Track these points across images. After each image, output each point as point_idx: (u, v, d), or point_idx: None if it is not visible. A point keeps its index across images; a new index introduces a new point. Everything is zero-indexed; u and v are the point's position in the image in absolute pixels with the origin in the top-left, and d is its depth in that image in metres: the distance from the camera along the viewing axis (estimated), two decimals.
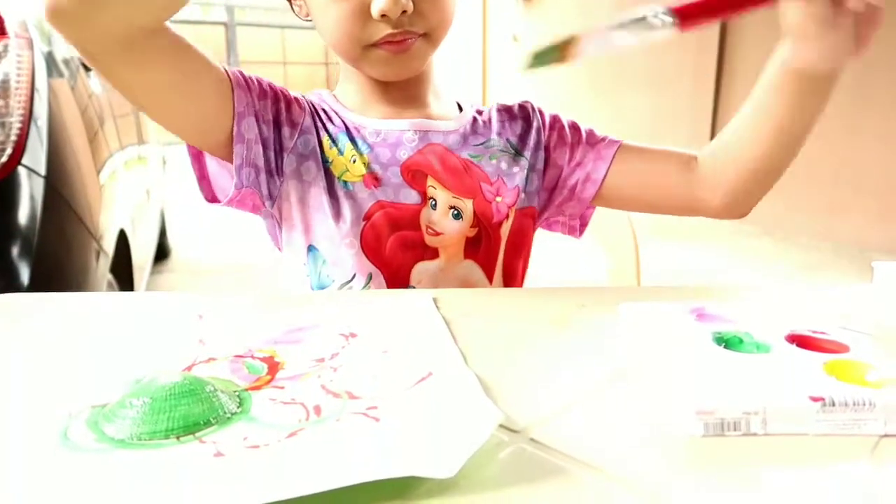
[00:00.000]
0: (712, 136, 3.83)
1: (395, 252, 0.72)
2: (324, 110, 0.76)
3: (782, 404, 0.39)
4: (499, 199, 0.76)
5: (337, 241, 0.71)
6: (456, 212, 0.74)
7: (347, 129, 0.75)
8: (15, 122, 1.11)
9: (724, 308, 0.53)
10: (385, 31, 0.67)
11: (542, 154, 0.80)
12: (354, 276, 0.72)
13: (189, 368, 0.46)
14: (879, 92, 3.33)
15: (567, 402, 0.43)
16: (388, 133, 0.75)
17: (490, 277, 0.76)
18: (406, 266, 0.73)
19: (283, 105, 0.73)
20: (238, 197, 0.70)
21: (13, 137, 1.10)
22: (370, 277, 0.72)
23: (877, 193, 3.43)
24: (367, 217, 0.72)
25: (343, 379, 0.44)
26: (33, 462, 0.35)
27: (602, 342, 0.52)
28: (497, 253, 0.76)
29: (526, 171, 0.79)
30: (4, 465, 0.35)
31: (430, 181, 0.74)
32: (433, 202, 0.73)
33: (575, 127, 0.82)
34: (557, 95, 4.82)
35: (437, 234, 0.73)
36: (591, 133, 0.82)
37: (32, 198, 1.12)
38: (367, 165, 0.73)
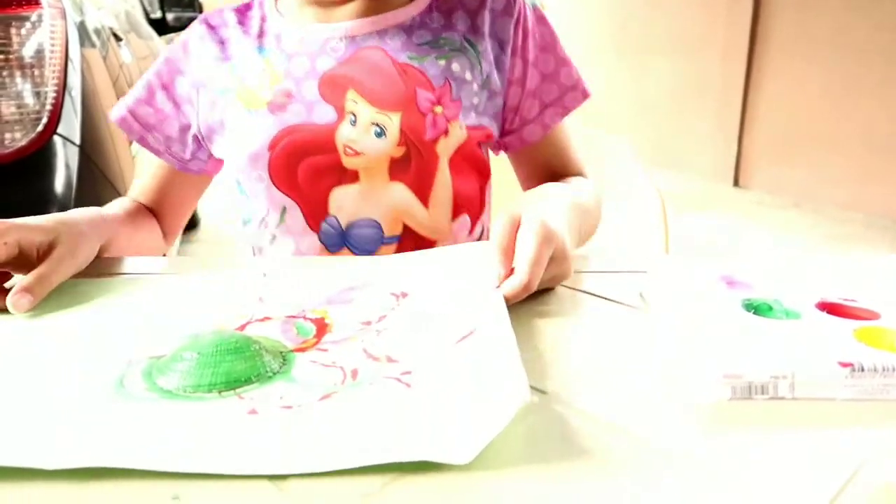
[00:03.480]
0: (743, 107, 3.77)
1: (308, 180, 0.67)
2: (240, 23, 0.73)
3: (811, 369, 0.39)
4: (438, 109, 0.67)
5: (249, 174, 0.69)
6: (378, 129, 0.66)
7: (262, 42, 0.71)
8: (50, 92, 1.13)
9: (754, 275, 0.53)
10: None
11: (508, 62, 0.71)
12: (268, 209, 0.70)
13: (243, 327, 0.48)
14: None
15: (594, 365, 0.44)
16: (311, 41, 0.69)
17: (425, 201, 0.69)
18: (322, 194, 0.68)
19: (166, 95, 0.75)
20: (206, 169, 0.76)
21: (48, 107, 1.12)
22: (284, 210, 0.69)
23: None
24: (272, 146, 0.67)
25: (385, 342, 0.46)
26: (88, 406, 0.38)
27: (630, 308, 0.53)
28: (433, 174, 0.69)
29: (483, 78, 0.70)
30: (64, 405, 0.38)
31: (351, 94, 0.67)
32: (352, 118, 0.66)
33: (559, 58, 0.74)
34: (579, 59, 4.74)
35: (356, 153, 0.66)
36: (568, 72, 0.75)
37: (68, 166, 1.15)
38: (280, 81, 0.68)
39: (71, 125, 1.16)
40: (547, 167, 0.76)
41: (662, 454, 0.34)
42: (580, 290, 0.56)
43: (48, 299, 0.52)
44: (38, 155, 1.12)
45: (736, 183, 3.91)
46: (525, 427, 0.37)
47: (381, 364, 0.43)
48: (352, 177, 0.68)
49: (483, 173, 0.74)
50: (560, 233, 0.52)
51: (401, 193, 0.68)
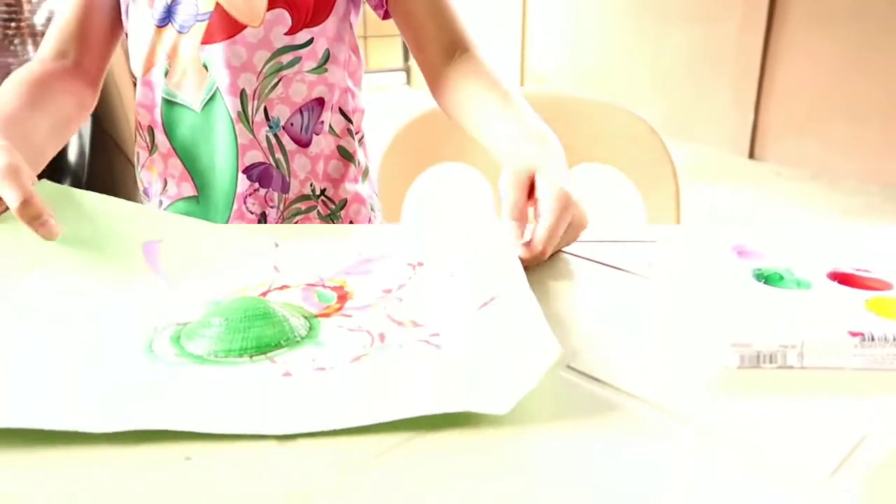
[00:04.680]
0: (761, 78, 3.70)
1: None
2: None
3: (820, 338, 0.39)
4: None
5: None
6: None
7: None
8: None
9: (766, 245, 0.52)
10: None
11: None
12: None
13: (264, 294, 0.49)
14: None
15: (605, 332, 0.44)
16: None
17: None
18: None
19: None
20: None
21: None
22: None
23: None
24: None
25: (408, 308, 0.46)
26: (120, 369, 0.39)
27: (640, 277, 0.52)
28: None
29: None
30: (96, 370, 0.39)
31: None
32: None
33: None
34: (596, 28, 4.67)
35: None
36: None
37: (80, 135, 1.15)
38: None
39: None
40: (435, 37, 0.75)
41: (670, 421, 0.35)
42: (590, 259, 0.56)
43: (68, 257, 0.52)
44: None
45: (751, 155, 3.87)
46: (535, 392, 0.37)
47: (406, 328, 0.43)
48: None
49: None
50: (576, 198, 0.54)
51: None
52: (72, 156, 1.15)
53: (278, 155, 0.76)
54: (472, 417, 0.34)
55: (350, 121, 0.80)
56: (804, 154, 3.61)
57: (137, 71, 0.76)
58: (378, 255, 0.55)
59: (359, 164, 0.83)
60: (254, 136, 0.74)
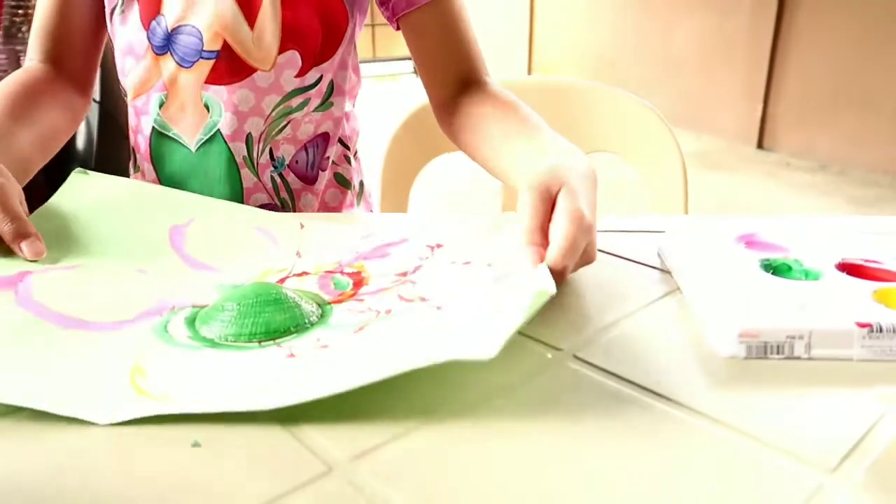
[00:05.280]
0: (770, 67, 3.67)
1: None
2: None
3: (828, 329, 0.39)
4: None
5: None
6: None
7: None
8: None
9: (774, 236, 0.52)
10: None
11: None
12: (117, 1, 0.69)
13: (283, 280, 0.50)
14: None
15: (611, 323, 0.44)
16: None
17: (251, 22, 0.67)
18: None
19: None
20: None
21: None
22: (124, 3, 0.69)
23: None
24: None
25: (419, 288, 0.47)
26: (133, 346, 0.40)
27: (647, 266, 0.52)
28: None
29: None
30: (110, 346, 0.40)
31: None
32: None
33: None
34: (605, 16, 4.64)
35: None
36: None
37: (88, 123, 1.15)
38: None
39: None
40: (448, 63, 0.71)
41: (677, 411, 0.35)
42: (599, 250, 0.55)
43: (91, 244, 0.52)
44: None
45: (760, 145, 3.84)
46: (542, 382, 0.37)
47: (413, 304, 0.44)
48: None
49: (328, 15, 0.70)
50: (594, 225, 0.47)
51: (227, 6, 0.67)
52: (80, 143, 1.15)
53: (284, 195, 0.74)
54: (491, 399, 0.34)
55: (347, 147, 0.79)
56: (813, 144, 3.59)
57: (127, 90, 0.73)
58: (397, 239, 0.55)
59: (354, 188, 0.81)
60: (258, 178, 0.72)
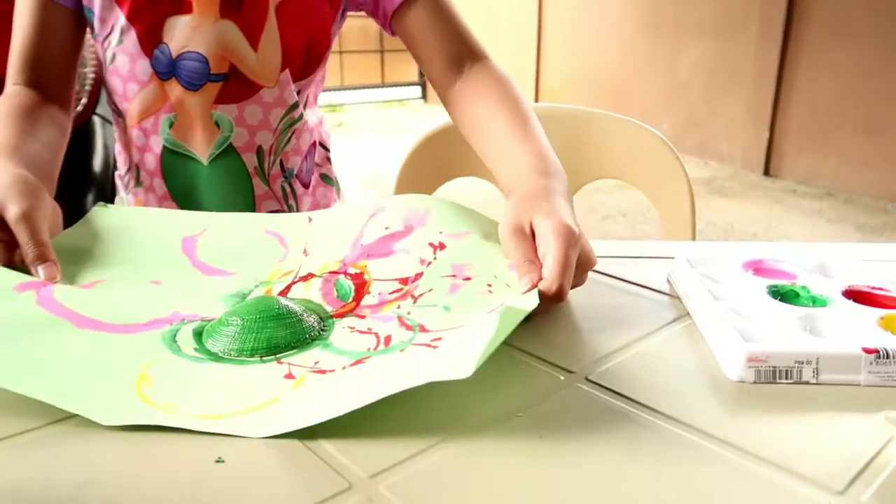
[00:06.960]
0: (777, 89, 3.70)
1: (145, 4, 0.69)
2: None
3: (835, 354, 0.40)
4: None
5: None
6: None
7: None
8: (89, 73, 1.15)
9: (782, 262, 0.53)
10: None
11: None
12: (112, 27, 0.71)
13: (288, 288, 0.51)
14: None
15: (622, 347, 0.45)
16: None
17: (255, 45, 0.71)
18: (158, 20, 0.70)
19: None
20: None
21: (87, 87, 1.15)
22: (122, 31, 0.70)
23: None
24: None
25: (420, 311, 0.47)
26: (143, 351, 0.42)
27: (657, 292, 0.53)
28: (262, 19, 0.71)
29: None
30: (120, 348, 0.42)
31: None
32: None
33: None
34: (613, 38, 4.68)
35: None
36: None
37: (106, 146, 1.17)
38: None
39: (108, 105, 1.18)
40: (442, 50, 0.73)
41: (686, 434, 0.35)
42: (608, 275, 0.57)
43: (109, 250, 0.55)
44: (78, 135, 1.15)
45: (767, 171, 3.85)
46: (554, 404, 0.38)
47: (414, 333, 0.44)
48: (186, 8, 0.70)
49: (314, 35, 0.74)
50: (581, 235, 0.49)
51: (230, 31, 0.70)
52: (97, 166, 1.17)
53: (291, 201, 0.80)
54: (503, 420, 0.35)
55: (327, 149, 0.85)
56: (820, 170, 3.60)
57: (130, 115, 0.75)
58: (402, 228, 0.55)
59: (335, 185, 0.88)
60: (269, 187, 0.77)
